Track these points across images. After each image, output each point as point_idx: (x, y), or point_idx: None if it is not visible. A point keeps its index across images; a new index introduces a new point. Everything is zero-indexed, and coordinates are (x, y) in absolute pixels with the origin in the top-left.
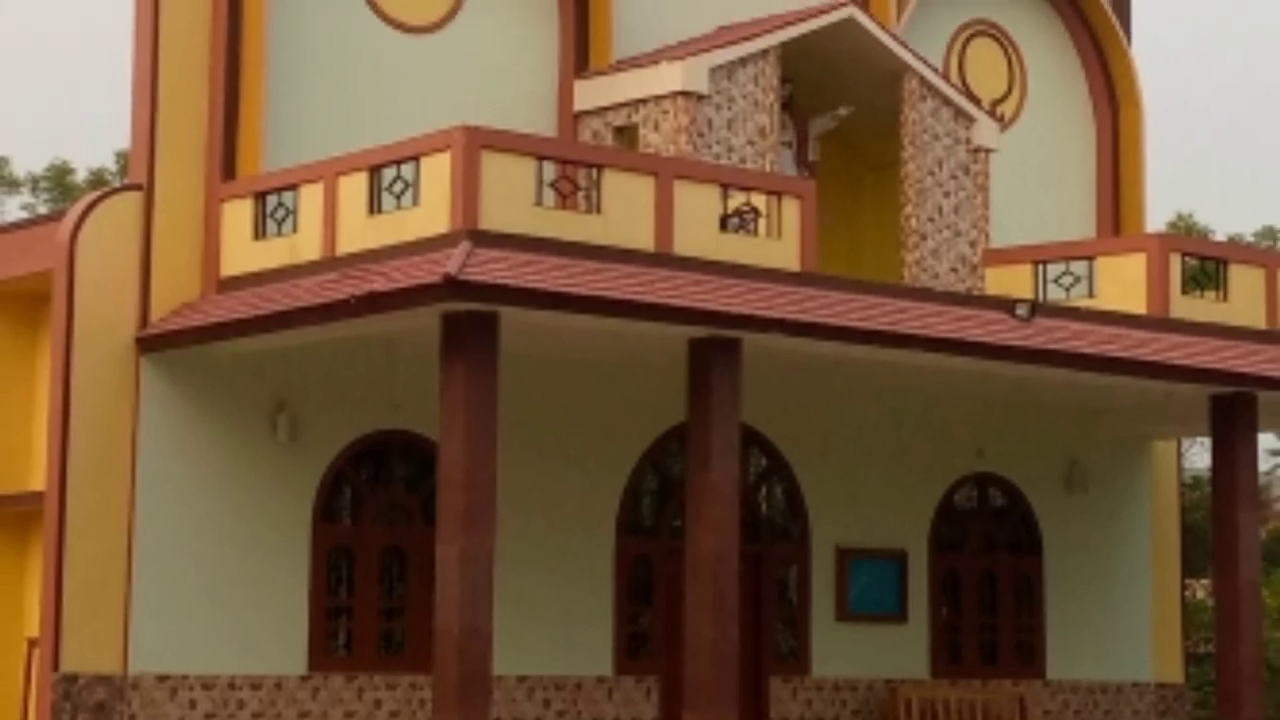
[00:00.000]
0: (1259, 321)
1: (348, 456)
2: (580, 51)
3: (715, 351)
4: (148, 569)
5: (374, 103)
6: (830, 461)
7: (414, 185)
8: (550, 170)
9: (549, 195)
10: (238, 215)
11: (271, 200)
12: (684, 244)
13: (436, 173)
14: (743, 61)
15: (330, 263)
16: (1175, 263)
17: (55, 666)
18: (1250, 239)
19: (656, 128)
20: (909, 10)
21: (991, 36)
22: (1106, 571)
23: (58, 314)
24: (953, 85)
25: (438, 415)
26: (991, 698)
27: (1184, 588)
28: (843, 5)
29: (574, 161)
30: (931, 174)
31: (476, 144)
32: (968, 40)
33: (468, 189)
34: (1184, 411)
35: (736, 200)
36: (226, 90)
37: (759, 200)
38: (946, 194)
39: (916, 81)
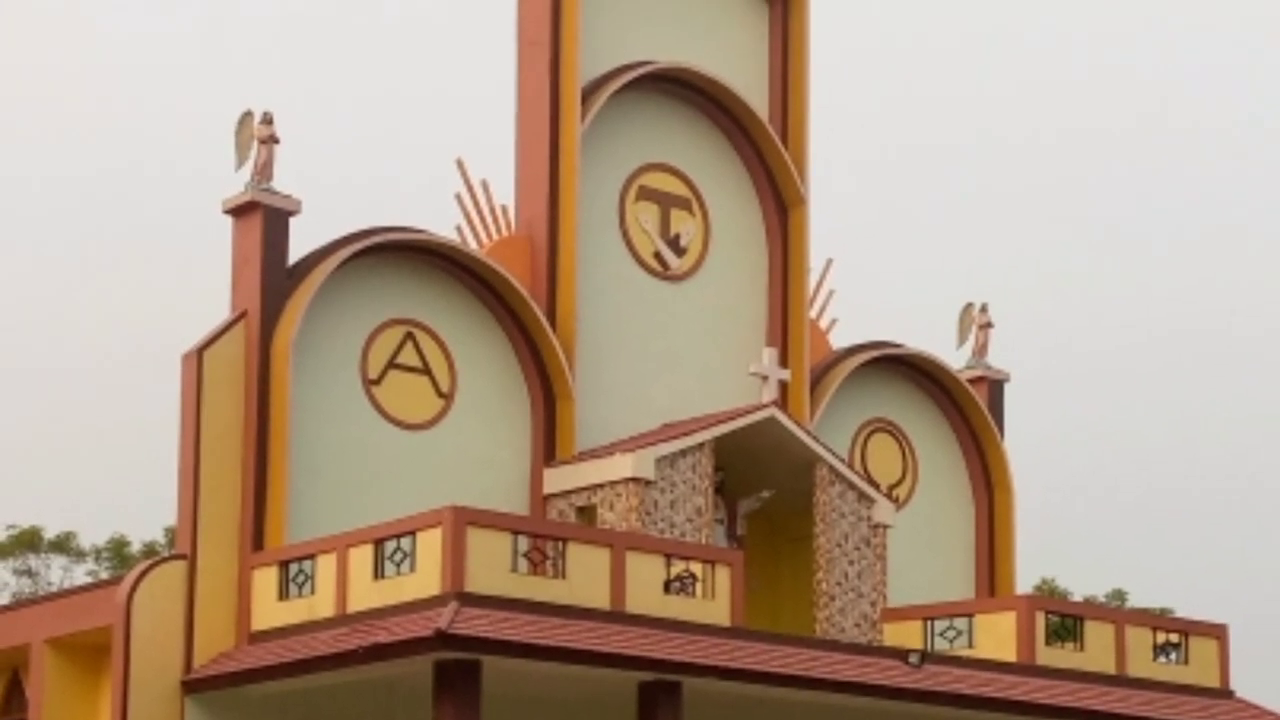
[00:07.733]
0: (1110, 668)
1: None
2: (548, 445)
3: (660, 693)
4: None
5: (377, 487)
6: None
7: (411, 555)
8: (524, 543)
9: (523, 563)
10: (265, 580)
11: (293, 568)
12: (634, 603)
13: (430, 545)
14: (683, 453)
15: (342, 619)
16: (1040, 619)
17: None
18: (1103, 599)
19: (612, 507)
20: (820, 410)
21: (889, 432)
22: None
23: (116, 661)
24: (856, 472)
25: None
26: None
27: None
28: (765, 406)
29: (543, 535)
30: (839, 546)
31: (463, 521)
32: (869, 435)
33: (455, 558)
34: None
35: (678, 568)
36: (256, 478)
37: (696, 567)
38: (851, 562)
39: (826, 470)
